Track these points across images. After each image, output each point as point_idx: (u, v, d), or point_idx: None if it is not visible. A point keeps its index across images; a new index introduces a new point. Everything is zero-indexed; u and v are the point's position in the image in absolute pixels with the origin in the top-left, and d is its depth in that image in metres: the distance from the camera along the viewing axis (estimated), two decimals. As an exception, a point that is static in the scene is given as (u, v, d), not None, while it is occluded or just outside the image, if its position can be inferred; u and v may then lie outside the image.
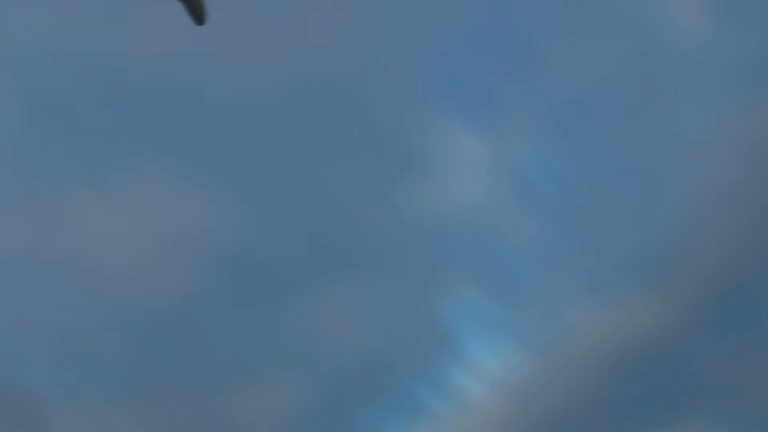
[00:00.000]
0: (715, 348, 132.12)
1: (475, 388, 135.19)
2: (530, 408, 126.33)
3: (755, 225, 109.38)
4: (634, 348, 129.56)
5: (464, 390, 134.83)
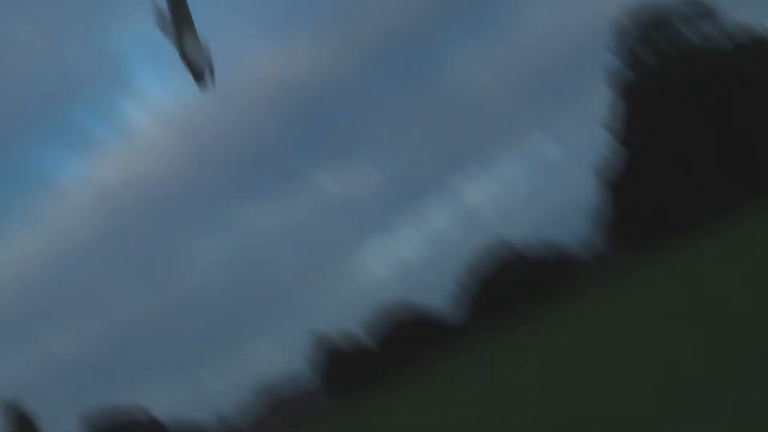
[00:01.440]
0: (381, 93, 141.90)
1: (144, 121, 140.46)
2: (199, 141, 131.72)
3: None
4: (306, 89, 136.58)
5: (134, 122, 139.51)
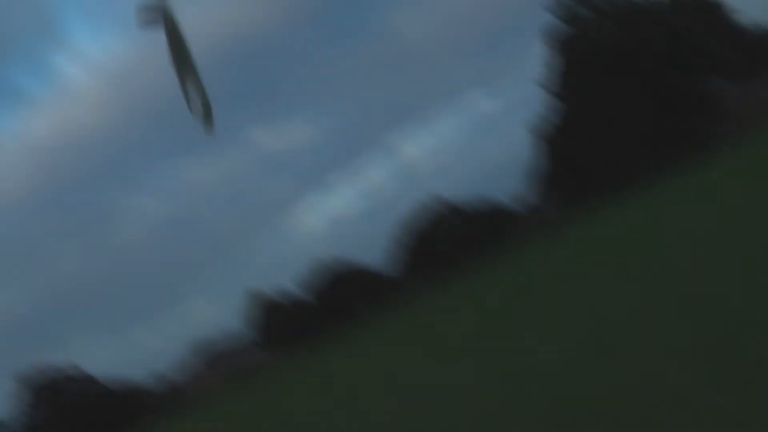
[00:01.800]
0: (318, 49, 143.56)
1: (77, 74, 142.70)
2: (135, 96, 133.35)
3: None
4: (242, 44, 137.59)
5: (66, 76, 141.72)
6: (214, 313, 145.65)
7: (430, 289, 73.76)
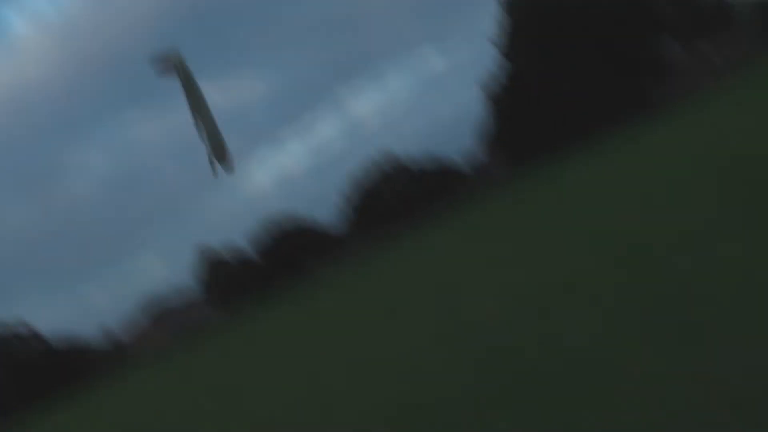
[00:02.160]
0: (267, 4, 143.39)
1: (25, 28, 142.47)
2: (82, 49, 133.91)
3: None
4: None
5: (13, 29, 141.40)
6: (163, 269, 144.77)
7: (376, 247, 73.94)
